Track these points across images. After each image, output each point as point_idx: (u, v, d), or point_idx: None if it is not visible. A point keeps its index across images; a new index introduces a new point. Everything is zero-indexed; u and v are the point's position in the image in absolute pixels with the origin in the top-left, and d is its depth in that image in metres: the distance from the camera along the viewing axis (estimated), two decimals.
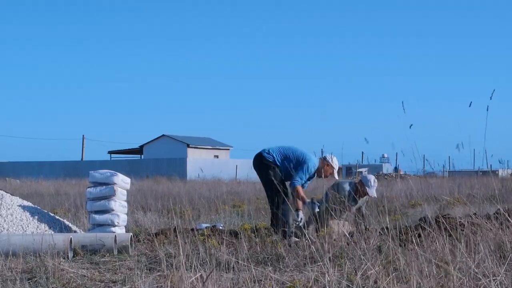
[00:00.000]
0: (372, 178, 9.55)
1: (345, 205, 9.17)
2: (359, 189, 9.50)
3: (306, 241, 7.44)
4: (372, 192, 9.47)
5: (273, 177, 8.98)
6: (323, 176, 9.37)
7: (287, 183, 9.17)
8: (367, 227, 8.53)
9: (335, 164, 9.40)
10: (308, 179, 9.41)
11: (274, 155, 9.20)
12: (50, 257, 7.01)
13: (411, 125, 7.37)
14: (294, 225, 8.98)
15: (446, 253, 5.67)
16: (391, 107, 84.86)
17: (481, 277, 5.08)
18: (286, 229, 8.74)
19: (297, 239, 8.54)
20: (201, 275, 5.23)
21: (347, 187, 9.51)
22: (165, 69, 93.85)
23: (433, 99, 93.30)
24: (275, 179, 8.94)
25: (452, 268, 5.23)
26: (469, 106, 7.36)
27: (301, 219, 9.01)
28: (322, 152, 9.80)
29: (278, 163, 9.16)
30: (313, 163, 9.24)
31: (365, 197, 9.58)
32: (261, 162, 9.23)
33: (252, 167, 9.42)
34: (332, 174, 9.42)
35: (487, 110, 6.99)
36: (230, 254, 7.11)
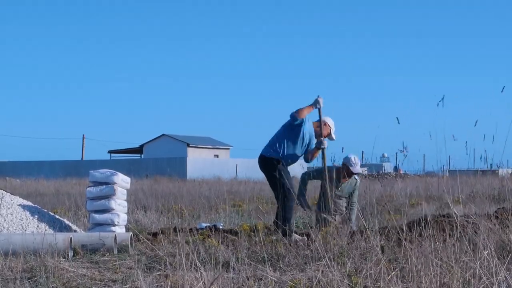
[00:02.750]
0: (352, 156, 9.85)
1: (332, 183, 9.29)
2: (342, 171, 9.76)
3: (307, 240, 7.43)
4: (356, 169, 9.79)
5: (277, 173, 8.87)
6: (322, 136, 9.19)
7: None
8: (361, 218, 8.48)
9: (330, 122, 9.26)
10: (306, 151, 9.23)
11: (273, 147, 9.07)
12: (50, 257, 7.00)
13: (378, 126, 7.52)
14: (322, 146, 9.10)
15: (448, 252, 5.65)
16: (391, 107, 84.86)
17: (483, 276, 5.07)
18: (287, 228, 8.68)
19: (298, 237, 8.51)
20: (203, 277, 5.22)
21: (330, 170, 9.56)
22: (165, 69, 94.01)
23: (432, 98, 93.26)
24: (280, 176, 8.85)
25: (454, 266, 5.21)
26: (441, 100, 7.43)
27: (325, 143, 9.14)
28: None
29: (279, 154, 9.02)
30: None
31: (355, 181, 9.80)
32: (263, 161, 9.14)
33: (259, 169, 9.30)
34: (329, 134, 9.27)
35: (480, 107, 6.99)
36: (230, 253, 7.10)
